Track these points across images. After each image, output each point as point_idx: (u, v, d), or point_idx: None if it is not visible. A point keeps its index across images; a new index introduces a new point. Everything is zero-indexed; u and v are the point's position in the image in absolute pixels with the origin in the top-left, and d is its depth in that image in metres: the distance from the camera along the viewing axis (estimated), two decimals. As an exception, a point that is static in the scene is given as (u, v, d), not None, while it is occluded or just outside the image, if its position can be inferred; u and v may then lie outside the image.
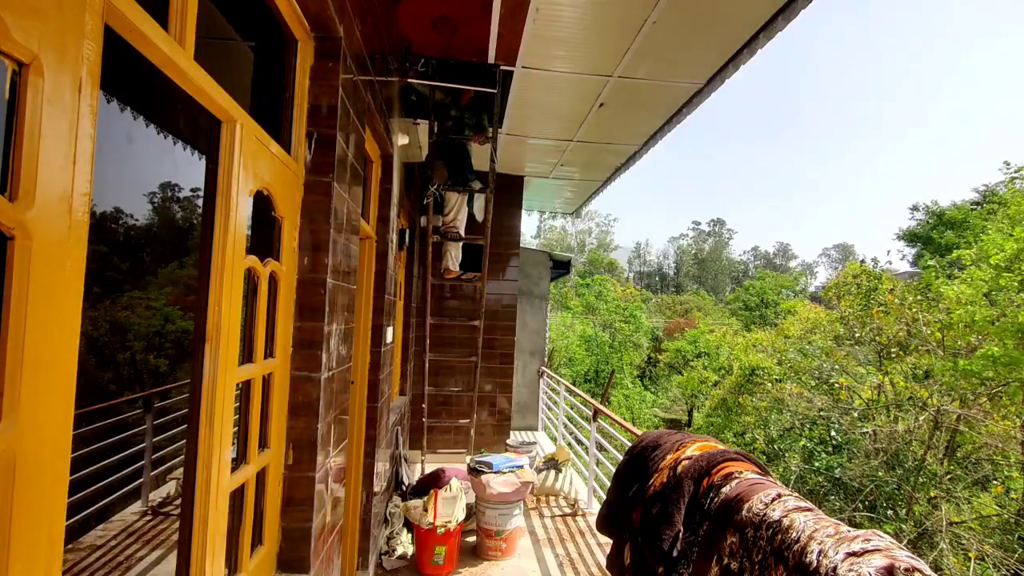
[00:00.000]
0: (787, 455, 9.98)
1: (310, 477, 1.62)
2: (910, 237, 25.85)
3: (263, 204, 1.44)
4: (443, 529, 3.40)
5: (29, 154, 0.59)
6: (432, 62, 3.34)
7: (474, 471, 3.81)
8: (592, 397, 7.85)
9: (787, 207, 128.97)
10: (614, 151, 5.16)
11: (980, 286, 8.80)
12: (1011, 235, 8.62)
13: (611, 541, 2.19)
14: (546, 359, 8.01)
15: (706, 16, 2.83)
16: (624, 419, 5.23)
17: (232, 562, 1.34)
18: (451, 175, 4.13)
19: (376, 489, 3.16)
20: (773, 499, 1.49)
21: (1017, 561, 6.47)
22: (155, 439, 2.16)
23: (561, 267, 8.39)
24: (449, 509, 3.52)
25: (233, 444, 1.28)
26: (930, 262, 11.13)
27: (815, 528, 1.31)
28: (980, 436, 8.06)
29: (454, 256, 4.69)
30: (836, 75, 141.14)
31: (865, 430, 9.00)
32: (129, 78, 1.16)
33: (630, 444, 2.40)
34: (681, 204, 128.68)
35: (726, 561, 1.50)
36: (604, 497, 2.43)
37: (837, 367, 10.59)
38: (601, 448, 4.81)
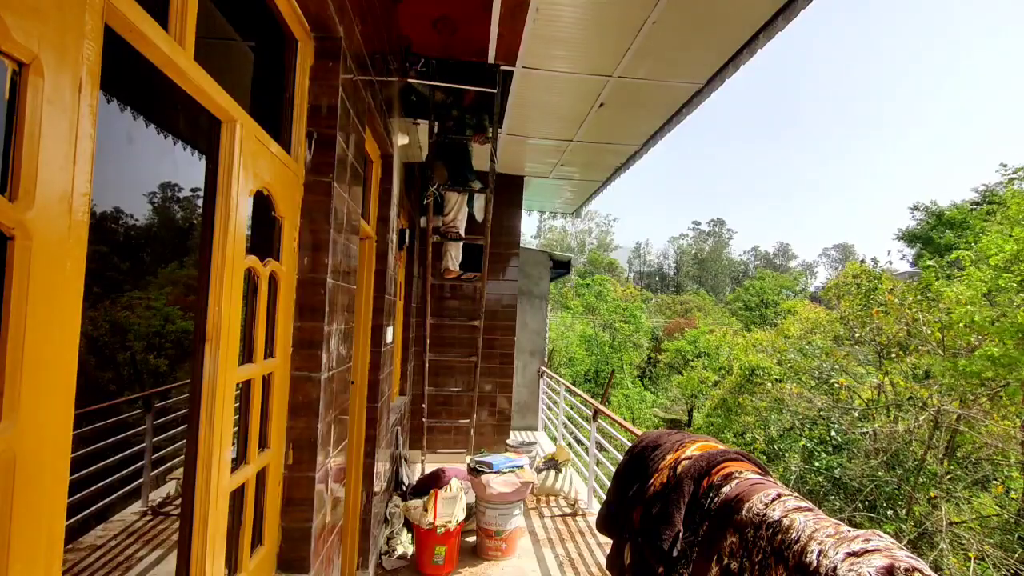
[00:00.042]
0: (787, 455, 9.98)
1: (310, 477, 1.62)
2: (910, 237, 25.83)
3: (263, 204, 1.44)
4: (443, 529, 3.40)
5: (29, 154, 0.59)
6: (432, 62, 3.34)
7: (474, 471, 3.81)
8: (592, 397, 7.85)
9: (787, 207, 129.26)
10: (614, 151, 5.16)
11: (980, 286, 8.80)
12: (1010, 235, 8.62)
13: (611, 541, 2.19)
14: (546, 359, 8.00)
15: (706, 16, 2.83)
16: (624, 419, 5.22)
17: (232, 562, 1.34)
18: (451, 175, 4.12)
19: (376, 489, 3.16)
20: (773, 499, 1.49)
21: (1017, 561, 6.47)
22: (155, 439, 2.16)
23: (561, 267, 8.39)
24: (449, 509, 3.52)
25: (233, 444, 1.28)
26: (930, 262, 11.12)
27: (815, 528, 1.31)
28: (980, 436, 8.06)
29: (454, 256, 4.69)
30: (836, 75, 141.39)
31: (865, 430, 9.00)
32: (129, 78, 1.16)
33: (630, 444, 2.40)
34: (681, 204, 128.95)
35: (726, 561, 1.50)
36: (604, 497, 2.43)
37: (837, 367, 10.60)
38: (601, 448, 4.81)
